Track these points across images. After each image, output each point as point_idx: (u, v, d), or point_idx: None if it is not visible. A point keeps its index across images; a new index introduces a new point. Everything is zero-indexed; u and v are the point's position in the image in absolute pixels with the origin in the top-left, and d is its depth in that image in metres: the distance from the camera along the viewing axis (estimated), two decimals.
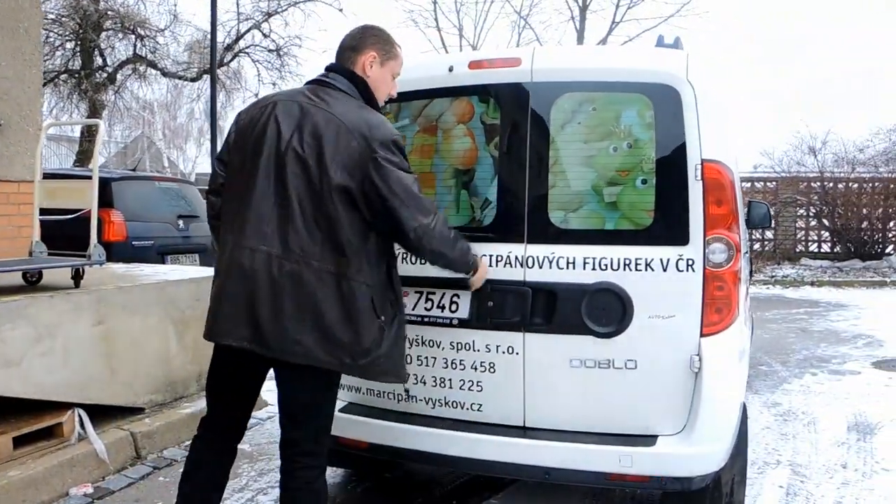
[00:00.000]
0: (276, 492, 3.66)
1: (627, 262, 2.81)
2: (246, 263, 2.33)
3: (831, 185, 15.49)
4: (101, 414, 4.09)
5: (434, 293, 3.08)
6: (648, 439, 2.82)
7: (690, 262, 2.76)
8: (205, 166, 25.64)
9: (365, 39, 2.56)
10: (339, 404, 3.25)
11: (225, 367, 2.56)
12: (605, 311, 2.83)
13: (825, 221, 15.72)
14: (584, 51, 2.99)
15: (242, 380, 2.59)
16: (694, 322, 2.78)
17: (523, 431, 2.96)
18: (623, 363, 2.83)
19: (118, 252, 6.98)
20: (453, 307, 3.04)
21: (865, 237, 15.20)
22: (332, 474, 3.87)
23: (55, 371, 3.73)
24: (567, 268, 2.87)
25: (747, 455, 3.09)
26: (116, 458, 3.91)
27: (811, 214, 15.86)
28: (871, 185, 15.28)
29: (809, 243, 16.00)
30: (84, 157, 17.45)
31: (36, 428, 3.70)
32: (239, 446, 3.91)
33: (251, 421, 4.70)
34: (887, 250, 15.15)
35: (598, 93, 2.88)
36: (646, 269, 2.80)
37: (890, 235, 15.36)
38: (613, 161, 2.85)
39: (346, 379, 3.24)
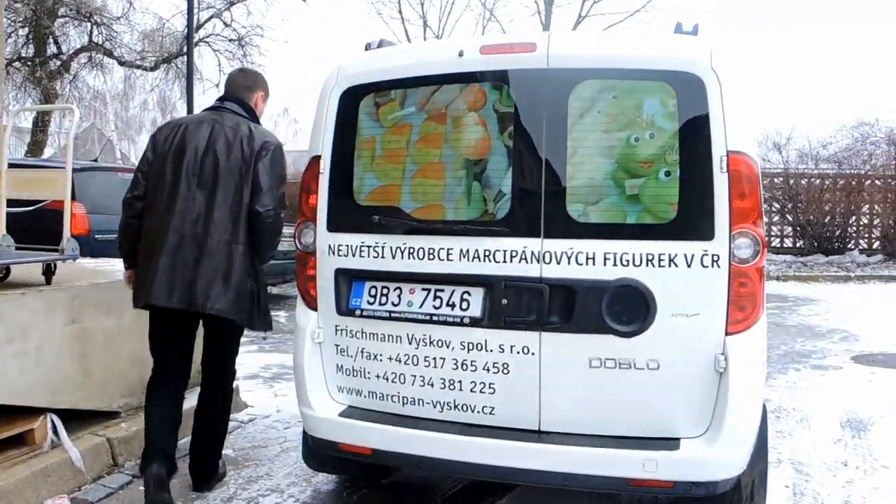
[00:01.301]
0: (268, 500, 3.48)
1: (650, 257, 2.68)
2: (176, 243, 3.16)
3: (794, 180, 15.72)
4: (75, 419, 3.83)
5: (443, 290, 2.92)
6: (671, 442, 2.70)
7: (716, 258, 2.65)
8: None
9: (257, 82, 3.57)
10: (337, 408, 3.10)
11: (162, 328, 3.39)
12: (626, 308, 2.70)
13: (789, 217, 15.95)
14: (603, 37, 2.87)
15: (179, 335, 3.41)
16: (719, 320, 2.67)
17: (538, 435, 2.82)
18: (645, 363, 2.70)
19: (81, 246, 6.64)
20: (464, 305, 2.88)
21: (828, 232, 15.46)
22: (326, 480, 3.69)
23: (28, 374, 3.47)
24: (586, 264, 2.73)
25: (768, 457, 3.00)
26: (93, 466, 3.67)
27: (775, 210, 16.07)
28: (833, 180, 15.54)
29: (773, 238, 16.21)
30: (36, 147, 16.84)
31: (6, 435, 3.44)
32: (223, 451, 3.73)
33: (232, 424, 4.52)
34: (849, 245, 15.43)
35: (618, 80, 2.74)
36: (669, 265, 2.68)
37: (851, 231, 15.66)
38: (635, 152, 2.72)
39: (344, 380, 3.10)
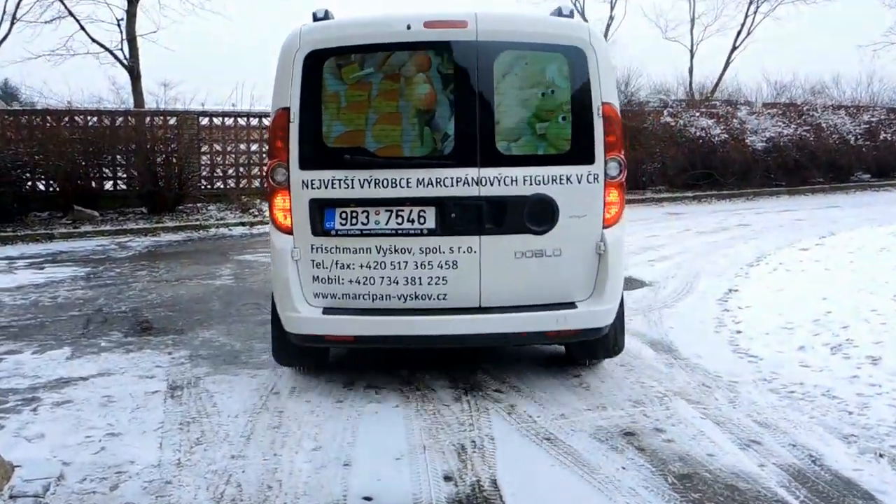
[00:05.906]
0: None
1: (554, 177, 3.83)
2: None
3: None
4: None
5: (402, 210, 3.84)
6: (571, 305, 3.93)
7: (596, 176, 3.87)
8: None
9: None
10: (318, 310, 3.92)
11: None
12: (539, 214, 3.84)
13: None
14: (516, 17, 3.87)
15: None
16: (598, 219, 3.91)
17: (481, 310, 3.90)
18: (552, 252, 3.88)
19: None
20: (421, 220, 3.84)
21: None
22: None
23: None
24: (511, 184, 3.81)
25: (624, 312, 4.37)
26: None
27: None
28: None
29: None
30: None
31: None
32: None
33: None
34: None
35: (528, 51, 3.80)
36: (567, 182, 3.85)
37: None
38: (542, 103, 3.83)
39: (320, 288, 3.93)
